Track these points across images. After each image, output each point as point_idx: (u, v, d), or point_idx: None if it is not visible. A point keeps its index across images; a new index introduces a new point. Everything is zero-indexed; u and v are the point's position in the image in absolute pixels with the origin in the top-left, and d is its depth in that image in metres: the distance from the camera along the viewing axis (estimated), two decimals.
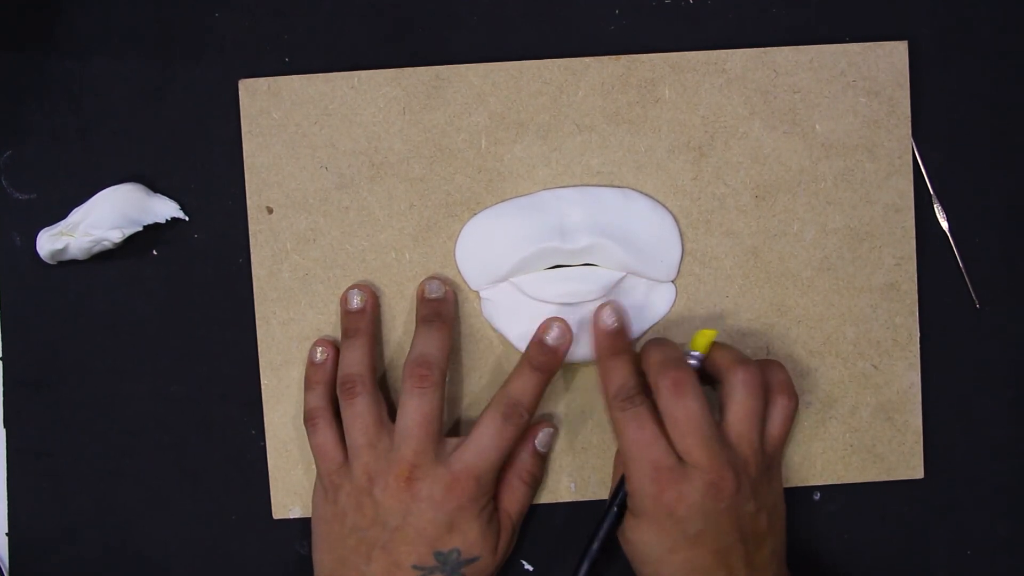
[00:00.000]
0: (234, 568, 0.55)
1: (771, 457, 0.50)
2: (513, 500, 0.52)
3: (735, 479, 0.47)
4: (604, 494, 0.55)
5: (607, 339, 0.51)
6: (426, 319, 0.52)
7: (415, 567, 0.49)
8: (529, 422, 0.51)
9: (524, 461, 0.53)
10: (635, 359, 0.51)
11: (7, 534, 0.55)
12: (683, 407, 0.47)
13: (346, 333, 0.53)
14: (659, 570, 0.48)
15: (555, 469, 0.55)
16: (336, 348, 0.53)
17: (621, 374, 0.50)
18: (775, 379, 0.50)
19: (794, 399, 0.50)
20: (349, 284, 0.54)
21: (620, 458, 0.53)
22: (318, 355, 0.53)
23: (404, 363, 0.51)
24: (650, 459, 0.47)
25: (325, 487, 0.51)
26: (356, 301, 0.53)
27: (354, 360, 0.52)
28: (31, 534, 0.55)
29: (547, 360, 0.51)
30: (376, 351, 0.53)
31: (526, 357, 0.51)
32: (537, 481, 0.54)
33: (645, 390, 0.49)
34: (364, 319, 0.53)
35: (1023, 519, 0.55)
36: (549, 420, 0.54)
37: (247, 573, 0.55)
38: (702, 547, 0.47)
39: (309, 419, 0.52)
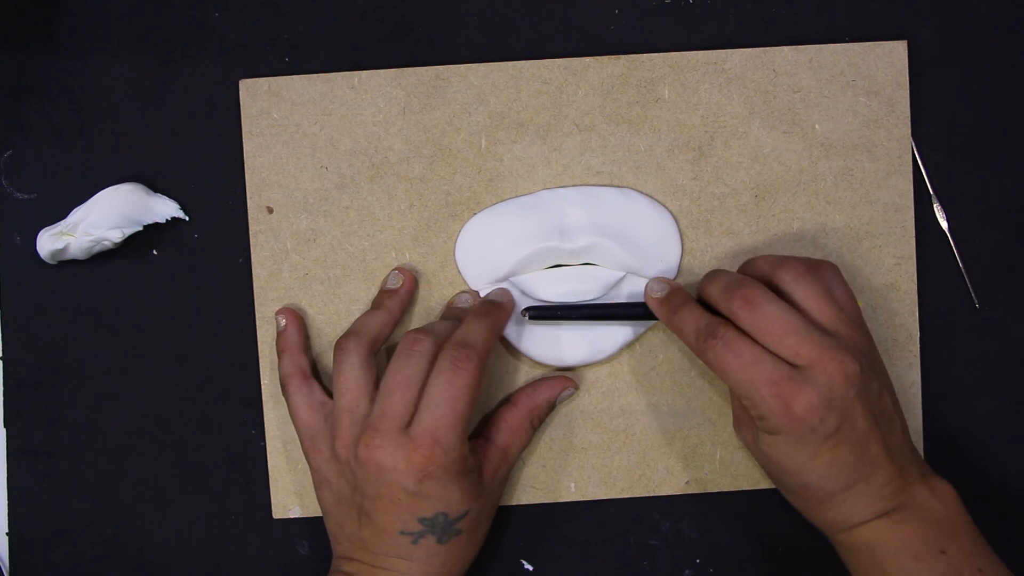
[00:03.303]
0: (234, 568, 0.55)
1: (860, 326, 0.49)
2: (518, 441, 0.52)
3: (854, 359, 0.45)
4: (604, 494, 0.55)
5: (664, 304, 0.50)
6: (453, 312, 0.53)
7: (403, 532, 0.48)
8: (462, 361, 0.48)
9: (541, 408, 0.53)
10: (700, 306, 0.49)
11: (7, 534, 0.55)
12: (765, 315, 0.46)
13: (372, 306, 0.53)
14: (802, 479, 0.47)
15: (555, 469, 0.55)
16: (296, 315, 0.53)
17: (692, 319, 0.48)
18: (805, 260, 0.49)
19: (828, 263, 0.49)
20: (349, 284, 0.54)
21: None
22: (280, 323, 0.53)
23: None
24: (762, 378, 0.45)
25: (311, 451, 0.51)
26: (392, 281, 0.53)
27: (362, 323, 0.51)
28: (31, 534, 0.55)
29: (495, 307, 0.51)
30: (391, 330, 0.52)
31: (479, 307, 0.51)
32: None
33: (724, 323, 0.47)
34: (393, 298, 0.53)
35: (1023, 519, 0.55)
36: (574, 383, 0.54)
37: (247, 573, 0.55)
38: (842, 443, 0.46)
39: (282, 386, 0.52)
